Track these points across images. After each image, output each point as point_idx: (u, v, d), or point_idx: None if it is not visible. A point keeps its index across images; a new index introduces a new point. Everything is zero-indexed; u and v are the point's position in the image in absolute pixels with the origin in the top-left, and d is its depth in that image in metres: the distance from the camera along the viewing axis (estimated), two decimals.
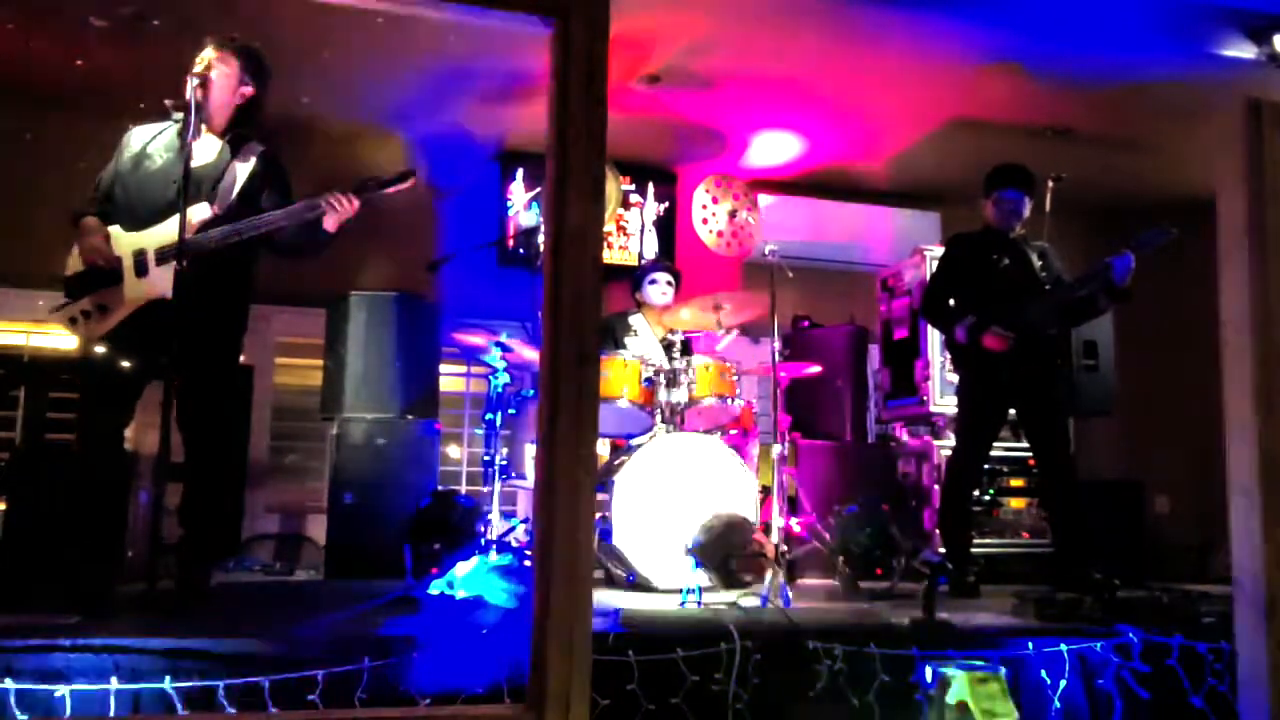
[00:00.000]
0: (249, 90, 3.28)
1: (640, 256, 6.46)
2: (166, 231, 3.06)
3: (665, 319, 4.63)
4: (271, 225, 3.17)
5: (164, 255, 3.06)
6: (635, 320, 4.85)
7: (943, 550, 4.31)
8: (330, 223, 3.22)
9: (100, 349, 3.09)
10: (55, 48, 4.86)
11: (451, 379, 6.10)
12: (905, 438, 5.58)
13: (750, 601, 3.30)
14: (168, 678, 2.29)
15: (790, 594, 3.34)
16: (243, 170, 3.23)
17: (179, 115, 3.21)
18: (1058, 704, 2.79)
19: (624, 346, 4.60)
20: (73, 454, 3.22)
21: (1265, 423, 1.52)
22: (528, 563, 3.62)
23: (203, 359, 3.17)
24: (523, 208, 6.24)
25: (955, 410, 5.05)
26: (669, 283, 4.90)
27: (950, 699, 2.57)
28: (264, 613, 3.44)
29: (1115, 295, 4.06)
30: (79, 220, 3.15)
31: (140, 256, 3.08)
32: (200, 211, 3.12)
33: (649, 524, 3.88)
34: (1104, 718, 2.83)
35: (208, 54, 3.18)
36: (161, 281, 3.04)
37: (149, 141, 3.22)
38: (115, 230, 3.12)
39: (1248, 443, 1.54)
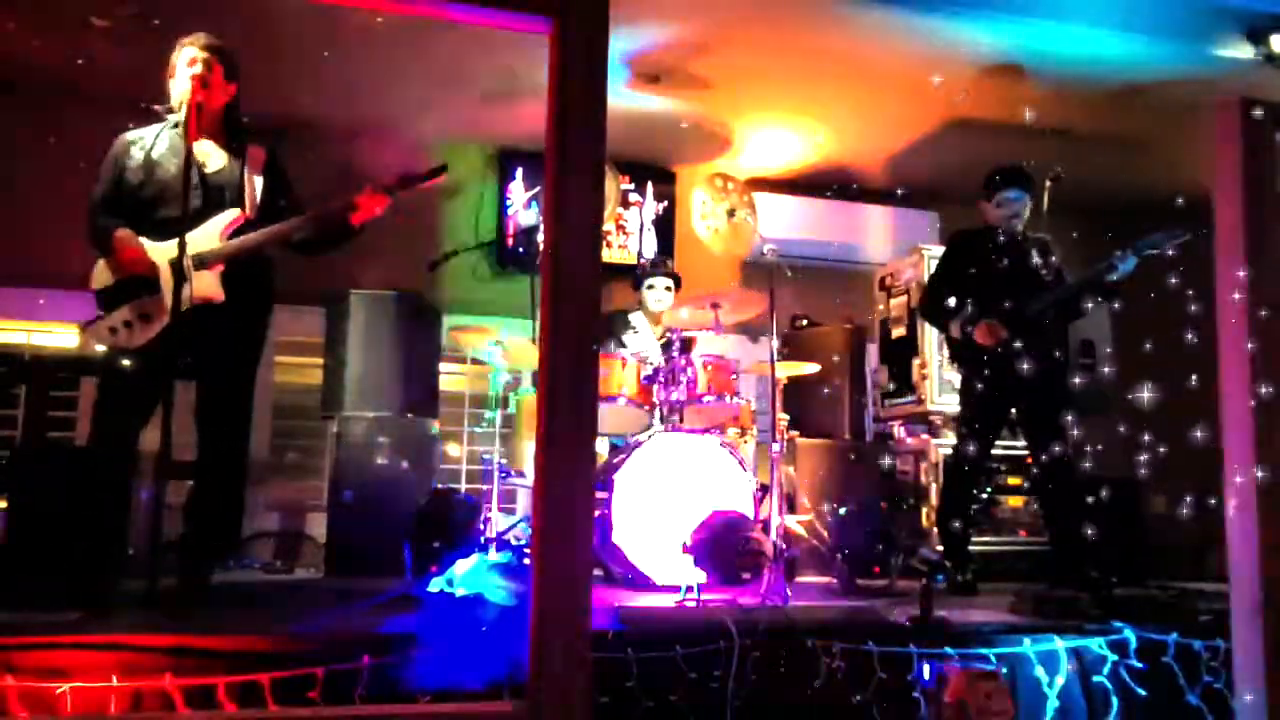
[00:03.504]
0: (233, 89, 3.29)
1: (639, 255, 6.47)
2: (199, 237, 3.09)
3: (664, 318, 4.63)
4: (306, 226, 3.21)
5: (202, 259, 3.09)
6: (636, 318, 4.86)
7: (940, 548, 4.32)
8: (358, 219, 3.25)
9: (132, 355, 3.10)
10: (55, 48, 4.86)
11: (451, 377, 6.11)
12: (903, 436, 5.59)
13: (748, 599, 3.32)
14: (168, 675, 2.30)
15: (788, 592, 3.35)
16: (257, 174, 3.26)
17: (176, 119, 3.22)
18: (1055, 701, 2.80)
19: (624, 345, 4.61)
20: (75, 452, 3.23)
21: (1262, 422, 1.53)
22: (527, 560, 3.63)
23: (228, 361, 3.20)
24: (522, 207, 6.25)
25: (953, 408, 5.06)
26: (667, 288, 4.90)
27: (948, 696, 2.58)
28: (264, 610, 3.45)
29: (1104, 293, 4.08)
30: (106, 232, 3.12)
31: (177, 264, 3.03)
32: (231, 216, 3.17)
33: (648, 522, 3.89)
34: (1100, 715, 2.84)
35: (198, 54, 3.17)
36: (201, 286, 3.08)
37: (150, 149, 3.21)
38: (144, 241, 3.12)
39: (1244, 441, 1.55)
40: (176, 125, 3.21)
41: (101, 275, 3.16)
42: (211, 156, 3.24)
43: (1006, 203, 4.23)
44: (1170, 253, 3.94)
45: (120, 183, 3.20)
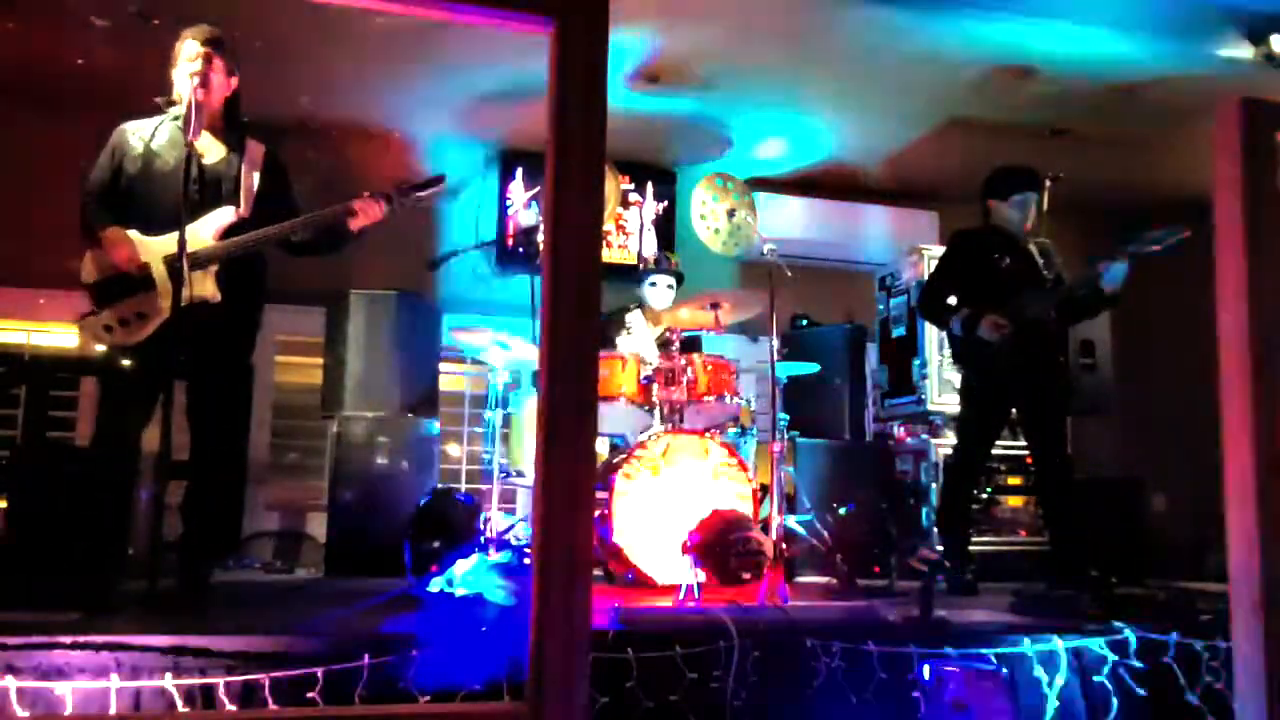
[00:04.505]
0: (234, 83, 3.27)
1: (639, 255, 6.47)
2: (194, 234, 3.06)
3: (664, 318, 4.63)
4: (302, 228, 3.20)
5: (197, 259, 3.05)
6: (632, 318, 4.84)
7: (940, 548, 4.31)
8: (356, 225, 3.24)
9: (128, 354, 3.09)
10: (55, 48, 4.86)
11: (451, 377, 6.11)
12: (903, 436, 5.59)
13: (748, 599, 3.31)
14: (168, 675, 2.30)
15: (788, 592, 3.35)
16: (255, 169, 3.25)
17: (176, 112, 3.21)
18: (1054, 701, 2.80)
19: (614, 345, 4.58)
20: (75, 452, 3.23)
21: (1261, 421, 1.52)
22: (527, 560, 3.63)
23: (221, 357, 3.20)
24: (522, 207, 6.25)
25: (953, 408, 5.06)
26: (669, 285, 4.89)
27: (947, 696, 2.58)
28: (264, 610, 3.45)
29: (1102, 300, 4.06)
30: (96, 229, 3.10)
31: (173, 263, 2.98)
32: (226, 215, 3.15)
33: (648, 522, 3.89)
34: (1100, 715, 2.84)
35: (199, 49, 3.16)
36: (197, 285, 3.05)
37: (149, 140, 3.20)
38: (136, 235, 3.10)
39: (1244, 441, 1.54)
40: (176, 118, 3.19)
41: (90, 269, 3.13)
42: (210, 149, 3.22)
43: (1023, 204, 4.21)
44: (1168, 253, 3.93)
45: (118, 172, 3.19)
